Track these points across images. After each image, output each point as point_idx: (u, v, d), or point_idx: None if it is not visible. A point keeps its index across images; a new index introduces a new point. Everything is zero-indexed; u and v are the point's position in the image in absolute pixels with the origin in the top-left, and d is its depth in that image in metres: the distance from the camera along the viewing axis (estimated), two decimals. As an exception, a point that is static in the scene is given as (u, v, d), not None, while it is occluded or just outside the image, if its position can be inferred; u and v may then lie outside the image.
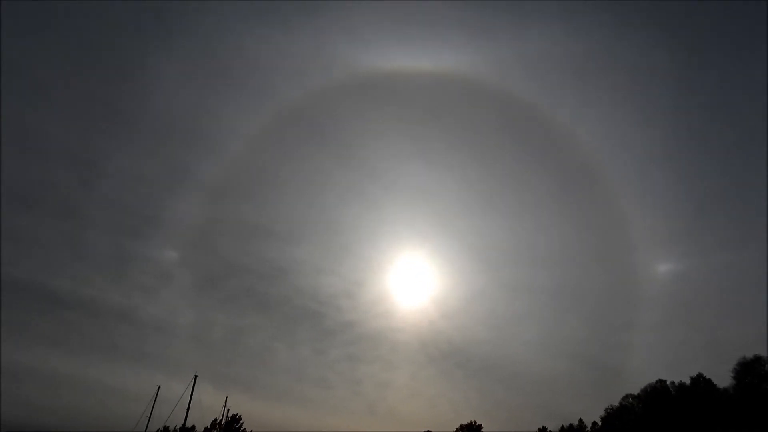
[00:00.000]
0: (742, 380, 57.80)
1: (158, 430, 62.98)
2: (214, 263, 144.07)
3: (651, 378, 68.62)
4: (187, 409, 59.95)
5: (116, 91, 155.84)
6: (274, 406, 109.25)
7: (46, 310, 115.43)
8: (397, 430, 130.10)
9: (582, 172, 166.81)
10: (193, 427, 66.13)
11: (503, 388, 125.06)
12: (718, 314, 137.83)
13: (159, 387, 61.08)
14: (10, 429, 63.22)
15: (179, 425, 64.17)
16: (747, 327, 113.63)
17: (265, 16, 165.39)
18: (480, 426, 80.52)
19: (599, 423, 72.04)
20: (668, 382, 65.76)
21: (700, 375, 62.15)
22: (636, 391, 69.60)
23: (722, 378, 61.14)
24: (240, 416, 69.28)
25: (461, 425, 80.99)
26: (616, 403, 71.31)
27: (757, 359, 57.04)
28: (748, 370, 57.20)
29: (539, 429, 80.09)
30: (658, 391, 65.99)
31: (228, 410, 67.86)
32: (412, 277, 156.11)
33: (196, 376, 61.42)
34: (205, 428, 66.81)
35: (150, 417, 58.51)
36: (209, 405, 70.92)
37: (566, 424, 77.28)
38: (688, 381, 63.91)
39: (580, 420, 74.76)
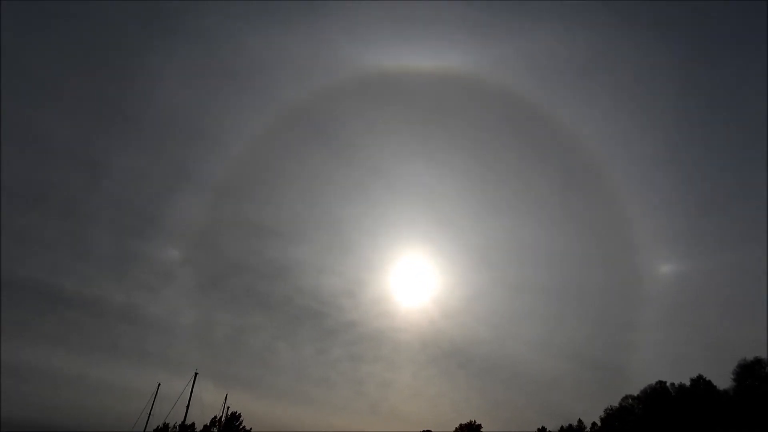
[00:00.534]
0: (742, 382, 57.47)
1: (158, 426, 63.38)
2: (217, 262, 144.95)
3: (652, 378, 68.41)
4: (187, 407, 60.44)
5: (119, 90, 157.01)
6: (276, 405, 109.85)
7: (48, 309, 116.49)
8: (399, 430, 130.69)
9: (584, 171, 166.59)
10: (193, 424, 66.47)
11: (504, 387, 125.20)
12: (719, 315, 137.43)
13: (159, 384, 61.47)
14: (11, 426, 63.80)
15: (179, 422, 64.72)
16: (749, 328, 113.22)
17: (267, 16, 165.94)
18: (479, 426, 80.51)
19: (599, 424, 71.86)
20: (668, 384, 65.48)
21: (700, 377, 61.89)
22: (637, 392, 69.45)
23: (724, 378, 61.04)
24: (239, 414, 69.66)
25: (461, 425, 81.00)
26: (616, 404, 71.24)
27: (758, 361, 56.73)
28: (749, 372, 56.88)
29: (539, 429, 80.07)
30: (657, 392, 65.73)
31: (228, 408, 68.34)
32: (413, 276, 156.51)
33: (196, 374, 61.85)
34: (205, 426, 67.18)
35: (150, 414, 58.95)
36: (210, 403, 71.34)
37: (566, 424, 77.20)
38: (688, 382, 63.76)
39: (580, 420, 74.66)
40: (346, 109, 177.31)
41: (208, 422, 67.71)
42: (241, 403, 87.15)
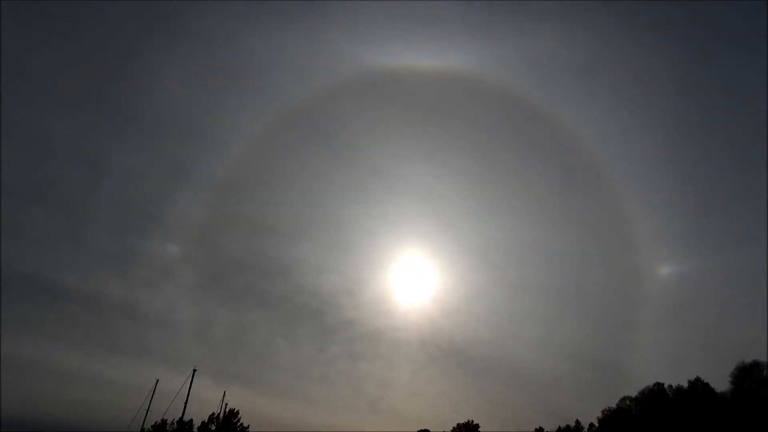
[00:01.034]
0: (740, 385, 57.48)
1: (156, 423, 63.63)
2: (217, 260, 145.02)
3: (652, 379, 68.69)
4: (185, 403, 60.60)
5: (119, 89, 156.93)
6: (275, 402, 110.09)
7: (49, 305, 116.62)
8: (398, 429, 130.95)
9: (584, 171, 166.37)
10: (191, 421, 66.68)
11: (504, 387, 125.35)
12: (719, 315, 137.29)
13: (157, 380, 61.55)
14: (10, 421, 64.09)
15: (177, 419, 64.97)
16: (748, 328, 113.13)
17: (267, 15, 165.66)
18: (477, 425, 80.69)
19: (596, 424, 71.95)
20: (666, 386, 65.57)
21: (698, 379, 61.92)
22: (636, 393, 69.54)
23: (724, 379, 61.03)
24: (238, 411, 69.80)
25: (458, 424, 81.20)
26: (615, 405, 71.30)
27: (756, 364, 56.70)
28: (747, 375, 56.87)
29: (536, 429, 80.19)
30: (655, 394, 65.79)
31: (226, 405, 68.53)
32: (413, 275, 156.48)
33: (194, 370, 61.99)
34: (203, 422, 67.39)
35: (148, 410, 59.12)
36: (209, 400, 71.58)
37: (563, 424, 77.31)
38: (686, 384, 63.75)
39: (577, 421, 74.83)
40: (346, 108, 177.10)
41: (206, 419, 68.01)
42: (239, 400, 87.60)
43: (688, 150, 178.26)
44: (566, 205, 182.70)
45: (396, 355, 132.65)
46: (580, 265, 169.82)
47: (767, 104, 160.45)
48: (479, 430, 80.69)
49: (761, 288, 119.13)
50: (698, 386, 61.45)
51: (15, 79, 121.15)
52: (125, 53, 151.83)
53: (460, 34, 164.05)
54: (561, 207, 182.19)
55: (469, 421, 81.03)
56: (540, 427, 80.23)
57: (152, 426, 64.23)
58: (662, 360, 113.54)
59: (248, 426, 70.22)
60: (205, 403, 67.03)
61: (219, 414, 67.44)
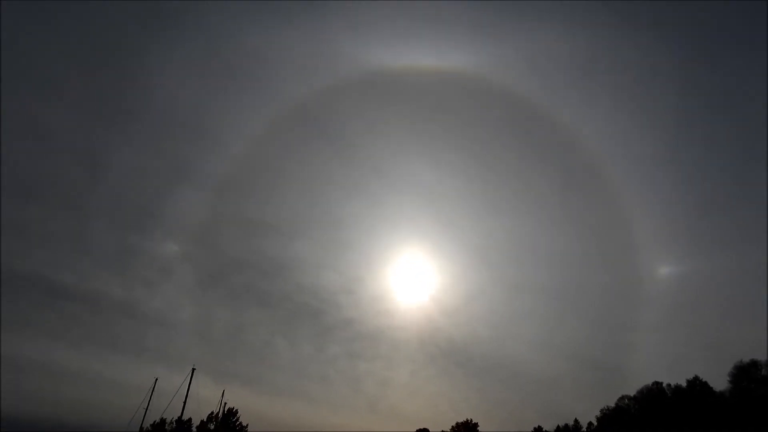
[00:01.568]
0: (738, 384, 57.55)
1: (154, 422, 63.72)
2: (216, 259, 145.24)
3: (651, 379, 68.61)
4: (184, 402, 60.63)
5: (120, 87, 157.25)
6: (274, 401, 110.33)
7: (48, 303, 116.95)
8: (398, 428, 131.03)
9: (584, 171, 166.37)
10: (190, 419, 66.72)
11: (503, 387, 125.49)
12: (719, 316, 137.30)
13: (156, 379, 61.63)
14: (9, 420, 64.16)
15: (176, 418, 65.03)
16: (748, 329, 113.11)
17: (268, 14, 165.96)
18: (476, 424, 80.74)
19: (595, 424, 71.99)
20: (664, 385, 65.61)
21: (696, 378, 61.97)
22: (635, 392, 69.60)
23: (722, 380, 61.10)
24: (236, 410, 69.83)
25: (457, 423, 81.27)
26: (613, 404, 71.32)
27: (754, 363, 56.76)
28: (745, 374, 56.93)
29: (535, 428, 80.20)
30: (654, 393, 65.84)
31: (225, 404, 68.58)
32: (412, 275, 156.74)
33: (193, 369, 62.04)
34: (202, 421, 67.45)
35: (147, 409, 59.20)
36: (208, 399, 71.60)
37: (562, 424, 77.35)
38: (685, 383, 63.81)
39: (576, 420, 74.87)
40: (347, 108, 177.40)
41: (205, 418, 68.05)
42: (238, 399, 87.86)
43: (688, 150, 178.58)
44: (566, 205, 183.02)
45: (395, 354, 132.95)
46: (580, 265, 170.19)
47: (767, 104, 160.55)
48: (478, 429, 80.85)
49: (760, 288, 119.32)
50: (697, 385, 61.50)
51: (15, 77, 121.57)
52: (126, 51, 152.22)
53: (460, 33, 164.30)
54: (561, 207, 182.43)
55: (467, 420, 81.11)
56: (539, 426, 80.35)
57: (151, 425, 64.34)
58: (661, 360, 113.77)
59: (247, 425, 70.37)
60: (204, 402, 67.12)
61: (218, 413, 67.54)
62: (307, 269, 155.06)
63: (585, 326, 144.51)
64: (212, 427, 67.11)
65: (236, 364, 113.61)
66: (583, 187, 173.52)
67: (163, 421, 65.40)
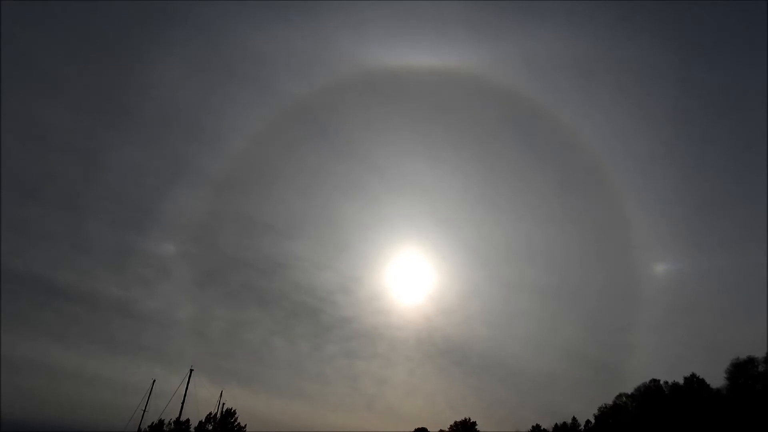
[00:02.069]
0: (735, 381, 57.79)
1: (153, 423, 63.51)
2: (213, 257, 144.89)
3: (648, 377, 68.83)
4: (182, 403, 60.48)
5: (119, 85, 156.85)
6: (272, 400, 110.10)
7: (46, 302, 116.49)
8: (395, 428, 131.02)
9: (582, 171, 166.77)
10: (188, 420, 66.55)
11: (500, 385, 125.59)
12: (716, 314, 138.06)
13: (154, 381, 61.45)
14: (9, 420, 63.90)
15: (174, 419, 64.85)
16: (745, 328, 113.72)
17: (267, 11, 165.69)
18: (474, 423, 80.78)
19: (593, 421, 72.20)
20: (662, 382, 65.83)
21: (693, 375, 62.20)
22: (632, 390, 69.78)
23: (718, 379, 61.34)
24: (235, 410, 69.63)
25: (455, 422, 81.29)
26: (611, 402, 71.51)
27: (750, 360, 57.04)
28: (741, 370, 57.19)
29: (533, 427, 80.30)
30: (651, 390, 66.06)
31: (223, 404, 68.43)
32: (409, 273, 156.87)
33: (191, 370, 61.93)
34: (200, 422, 67.25)
35: (145, 410, 59.02)
36: (206, 399, 71.53)
37: (560, 422, 77.51)
38: (682, 380, 64.00)
39: (574, 418, 74.99)
40: (346, 106, 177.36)
41: (203, 419, 67.86)
42: (236, 398, 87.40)
43: (687, 149, 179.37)
44: (564, 204, 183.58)
45: (393, 353, 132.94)
46: (578, 263, 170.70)
47: (766, 104, 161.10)
48: (476, 428, 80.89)
49: (758, 287, 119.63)
50: (694, 382, 61.74)
51: (13, 75, 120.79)
52: (124, 50, 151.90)
53: (459, 32, 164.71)
54: (559, 206, 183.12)
55: (466, 419, 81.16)
56: (537, 425, 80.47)
57: (149, 426, 64.14)
58: (658, 359, 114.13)
59: (245, 425, 70.18)
60: (202, 402, 67.01)
61: (216, 414, 67.38)
62: (304, 268, 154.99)
63: (583, 325, 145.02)
64: (210, 427, 66.94)
65: (234, 363, 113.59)
66: (581, 187, 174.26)
67: (161, 422, 65.21)
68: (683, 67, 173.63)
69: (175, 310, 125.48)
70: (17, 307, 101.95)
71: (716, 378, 61.55)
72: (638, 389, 67.82)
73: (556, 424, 77.39)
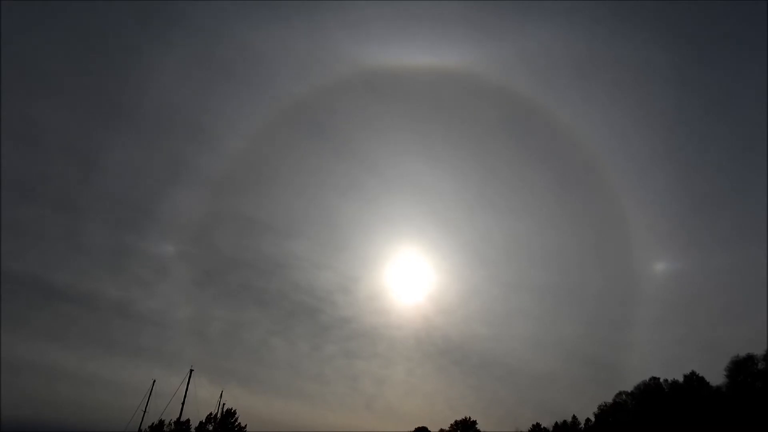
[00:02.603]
0: (734, 378, 57.98)
1: (153, 423, 63.36)
2: (212, 258, 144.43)
3: (647, 375, 69.07)
4: (182, 404, 60.32)
5: (116, 85, 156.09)
6: (271, 400, 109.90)
7: (44, 304, 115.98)
8: (395, 427, 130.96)
9: (581, 169, 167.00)
10: (188, 421, 66.39)
11: (500, 384, 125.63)
12: (715, 313, 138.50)
13: (154, 381, 61.26)
14: (8, 421, 63.62)
15: (175, 419, 64.68)
16: (745, 326, 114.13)
17: (265, 11, 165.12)
18: (474, 422, 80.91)
19: (593, 420, 72.37)
20: (661, 380, 66.06)
21: (693, 373, 62.40)
22: (632, 388, 69.94)
23: (718, 377, 61.51)
24: (235, 411, 69.52)
25: (456, 421, 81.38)
26: (611, 401, 71.69)
27: (750, 358, 57.23)
28: (741, 368, 57.38)
29: (533, 425, 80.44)
30: (651, 388, 66.26)
31: (223, 405, 68.29)
32: (408, 273, 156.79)
33: (191, 371, 61.78)
34: (200, 422, 67.11)
35: (145, 411, 58.86)
36: (206, 399, 71.34)
37: (560, 421, 77.65)
38: (682, 378, 64.19)
39: (574, 417, 75.17)
40: (344, 105, 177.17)
41: (203, 419, 67.73)
42: (236, 398, 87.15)
43: (685, 148, 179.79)
44: (563, 204, 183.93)
45: (392, 353, 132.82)
46: (577, 262, 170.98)
47: (767, 104, 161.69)
48: (476, 427, 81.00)
49: (758, 286, 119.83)
50: (694, 380, 61.95)
51: (10, 73, 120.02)
52: (121, 50, 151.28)
53: (459, 32, 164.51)
54: (558, 204, 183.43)
55: (466, 418, 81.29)
56: (537, 423, 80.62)
57: (149, 427, 63.96)
58: (658, 357, 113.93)
59: (245, 426, 70.08)
60: (202, 402, 66.81)
61: (216, 414, 67.26)
62: (303, 268, 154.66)
63: (582, 323, 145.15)
64: (211, 428, 66.82)
65: (233, 363, 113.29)
66: (580, 186, 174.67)
67: (161, 422, 65.06)
68: (682, 66, 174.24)
69: (174, 310, 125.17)
70: (16, 308, 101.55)
71: (716, 376, 61.89)
72: (638, 387, 68.03)
73: (557, 423, 77.56)
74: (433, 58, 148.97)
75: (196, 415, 66.91)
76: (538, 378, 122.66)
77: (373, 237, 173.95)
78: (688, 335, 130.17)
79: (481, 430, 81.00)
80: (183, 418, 64.41)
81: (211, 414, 67.57)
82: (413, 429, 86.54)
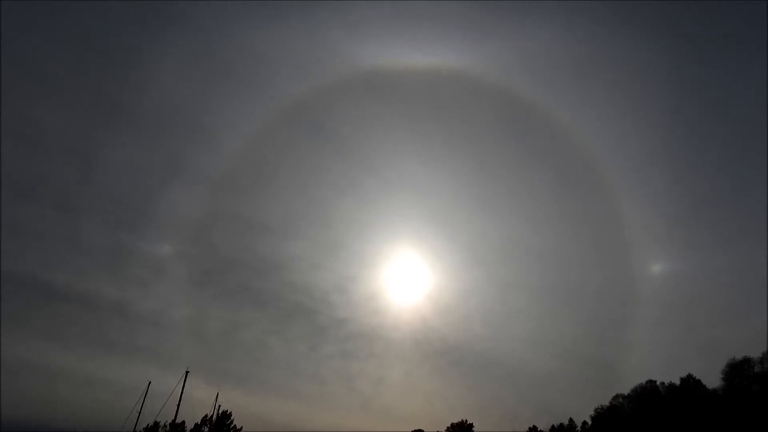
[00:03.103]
0: (731, 381, 57.82)
1: (148, 425, 63.21)
2: (210, 258, 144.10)
3: (645, 377, 68.89)
4: (178, 405, 60.42)
5: (115, 85, 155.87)
6: (268, 401, 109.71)
7: (42, 304, 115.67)
8: (392, 428, 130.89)
9: (579, 170, 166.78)
10: (183, 423, 66.21)
11: (497, 385, 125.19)
12: (715, 313, 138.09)
13: (150, 382, 61.42)
14: (10, 421, 63.67)
15: (170, 421, 64.53)
16: (743, 327, 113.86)
17: (265, 11, 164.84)
18: (471, 425, 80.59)
19: (589, 422, 72.18)
20: (658, 383, 65.86)
21: (689, 376, 62.22)
22: (629, 391, 69.78)
23: (715, 378, 61.33)
24: (231, 413, 69.33)
25: (452, 424, 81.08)
26: (608, 403, 71.51)
27: (746, 360, 57.06)
28: (737, 371, 57.23)
29: (530, 428, 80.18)
30: (648, 391, 66.09)
31: (219, 406, 68.14)
32: (406, 273, 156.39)
33: (187, 372, 61.84)
34: (196, 424, 66.93)
35: (140, 412, 58.90)
36: (202, 400, 71.12)
37: (557, 423, 77.42)
38: (678, 381, 64.05)
39: (571, 419, 74.89)
40: (343, 106, 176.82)
41: (199, 421, 67.49)
42: (232, 399, 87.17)
43: (684, 148, 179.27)
44: (561, 204, 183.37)
45: (389, 353, 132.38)
46: (574, 263, 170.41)
47: (766, 104, 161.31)
48: (473, 429, 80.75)
49: (757, 287, 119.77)
50: (690, 383, 61.76)
51: (11, 73, 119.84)
52: (119, 50, 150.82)
53: (456, 32, 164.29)
54: (555, 205, 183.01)
55: (462, 421, 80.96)
56: (534, 426, 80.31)
57: (144, 428, 63.83)
58: (656, 358, 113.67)
59: (241, 428, 69.82)
60: (198, 403, 66.68)
61: (212, 416, 67.09)
62: (300, 268, 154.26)
63: (579, 324, 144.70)
64: (206, 430, 66.65)
65: (230, 364, 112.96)
66: (578, 186, 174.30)
67: (156, 424, 64.91)
68: (682, 66, 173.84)
69: (171, 310, 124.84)
70: (13, 307, 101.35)
71: (713, 378, 61.72)
72: (635, 390, 67.86)
73: (553, 426, 77.30)
74: (433, 58, 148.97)
75: (191, 416, 66.85)
76: (536, 378, 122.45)
77: (371, 237, 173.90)
78: (687, 335, 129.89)
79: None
80: (178, 420, 64.39)
81: (206, 416, 67.49)
82: (410, 431, 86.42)
